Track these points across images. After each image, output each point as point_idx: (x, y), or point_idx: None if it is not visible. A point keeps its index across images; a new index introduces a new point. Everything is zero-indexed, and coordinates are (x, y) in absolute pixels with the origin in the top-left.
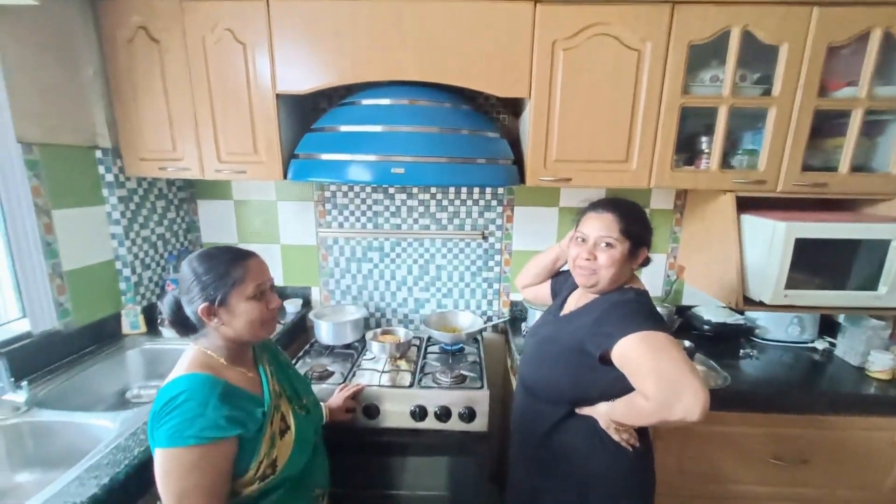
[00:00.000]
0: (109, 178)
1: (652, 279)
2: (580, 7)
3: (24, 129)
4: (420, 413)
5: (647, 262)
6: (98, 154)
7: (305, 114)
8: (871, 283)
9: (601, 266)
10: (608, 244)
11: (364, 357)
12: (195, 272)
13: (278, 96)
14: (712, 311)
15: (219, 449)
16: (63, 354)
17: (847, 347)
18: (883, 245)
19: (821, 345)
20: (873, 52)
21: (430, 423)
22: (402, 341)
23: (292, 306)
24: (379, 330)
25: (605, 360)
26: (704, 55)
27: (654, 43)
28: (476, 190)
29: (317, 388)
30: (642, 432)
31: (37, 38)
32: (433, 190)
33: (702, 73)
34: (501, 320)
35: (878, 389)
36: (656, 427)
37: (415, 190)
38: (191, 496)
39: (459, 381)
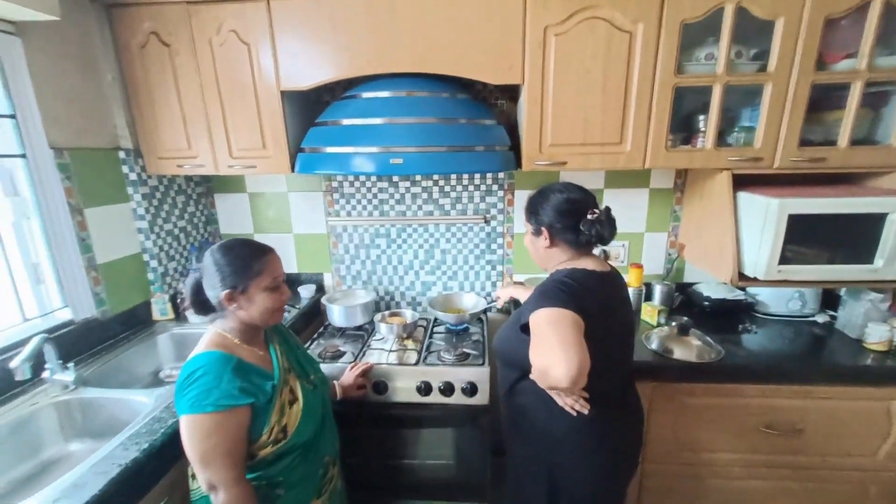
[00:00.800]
0: (133, 176)
1: (653, 257)
2: None
3: (54, 134)
4: (425, 388)
5: (581, 240)
6: (121, 155)
7: (310, 107)
8: (866, 257)
9: None
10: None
11: (374, 338)
12: (218, 262)
13: (283, 93)
14: (713, 288)
15: (233, 415)
16: (102, 339)
17: (846, 320)
18: (878, 219)
19: (821, 318)
20: (873, 22)
21: (435, 397)
22: (408, 322)
23: (306, 291)
24: (387, 312)
25: (527, 331)
26: (699, 33)
27: (646, 24)
28: (477, 175)
29: (330, 366)
30: (600, 400)
31: (59, 49)
32: (435, 177)
33: (697, 50)
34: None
35: (875, 360)
36: (651, 398)
37: (418, 177)
38: (211, 455)
39: (462, 359)
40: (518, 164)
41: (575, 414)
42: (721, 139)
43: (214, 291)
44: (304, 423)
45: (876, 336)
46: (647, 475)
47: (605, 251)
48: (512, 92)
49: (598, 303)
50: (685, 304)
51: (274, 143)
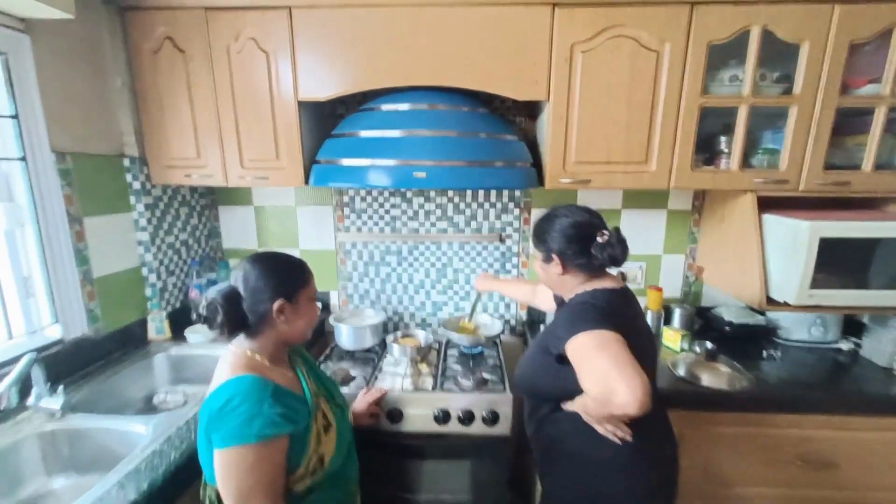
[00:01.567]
0: (136, 185)
1: (670, 279)
2: (598, 9)
3: (58, 138)
4: (443, 416)
5: (594, 264)
6: (126, 162)
7: (323, 119)
8: None
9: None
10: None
11: (385, 361)
12: (265, 273)
13: (300, 103)
14: (733, 312)
15: (276, 446)
16: (93, 359)
17: (873, 348)
18: None
19: (845, 345)
20: None
21: (454, 426)
22: (422, 345)
23: None
24: (399, 333)
25: (565, 361)
26: (724, 55)
27: (673, 44)
28: (493, 193)
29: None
30: (638, 425)
31: (68, 49)
32: (450, 193)
33: (721, 72)
34: (517, 324)
35: None
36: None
37: (432, 193)
38: (252, 492)
39: (482, 385)
40: (540, 182)
41: (619, 442)
42: (745, 161)
43: (261, 304)
44: (338, 449)
45: None
46: None
47: (622, 273)
48: (529, 110)
49: (627, 321)
50: (705, 328)
51: (288, 154)
